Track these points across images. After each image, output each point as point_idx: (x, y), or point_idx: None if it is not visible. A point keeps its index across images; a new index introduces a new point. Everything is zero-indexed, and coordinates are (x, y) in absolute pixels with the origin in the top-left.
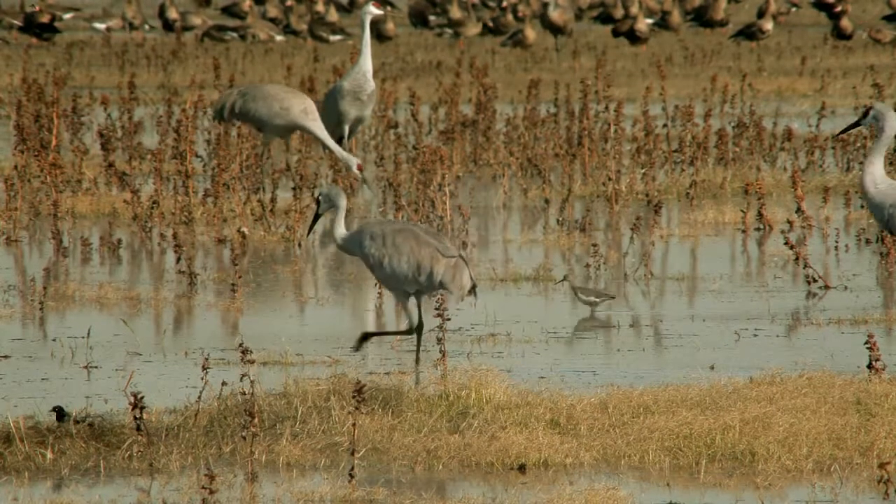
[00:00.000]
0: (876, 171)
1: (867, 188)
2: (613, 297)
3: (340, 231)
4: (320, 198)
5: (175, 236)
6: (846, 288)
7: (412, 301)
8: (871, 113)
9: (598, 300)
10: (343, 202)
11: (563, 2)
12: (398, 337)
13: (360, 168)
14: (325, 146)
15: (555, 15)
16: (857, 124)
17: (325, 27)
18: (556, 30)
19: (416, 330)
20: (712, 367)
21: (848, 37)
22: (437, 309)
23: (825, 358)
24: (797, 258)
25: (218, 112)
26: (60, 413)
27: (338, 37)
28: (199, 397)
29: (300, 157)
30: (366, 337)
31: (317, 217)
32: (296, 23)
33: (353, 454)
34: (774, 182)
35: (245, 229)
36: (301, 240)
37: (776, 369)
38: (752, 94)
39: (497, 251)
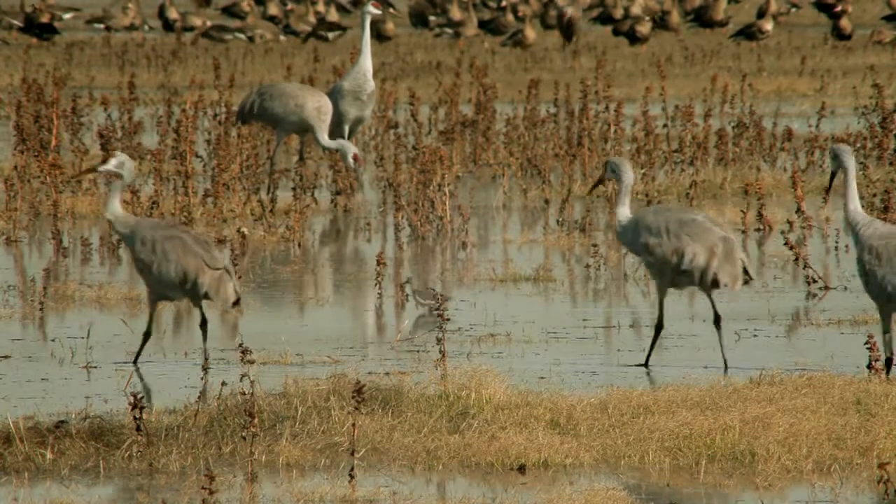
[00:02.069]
0: (620, 214)
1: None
2: (449, 300)
3: (116, 208)
4: (115, 160)
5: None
6: (846, 288)
7: (159, 306)
8: (609, 165)
9: (433, 302)
10: (130, 176)
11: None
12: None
13: (356, 158)
14: (324, 148)
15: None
16: (600, 181)
17: (325, 27)
18: (569, 33)
19: (145, 335)
20: (706, 367)
21: (848, 37)
22: (436, 310)
23: (825, 358)
24: (797, 258)
25: (239, 114)
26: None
27: (335, 32)
28: (199, 397)
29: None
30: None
31: (92, 171)
32: (295, 23)
33: (353, 454)
34: (774, 182)
35: (245, 229)
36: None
37: (776, 369)
38: (752, 94)
39: (497, 251)
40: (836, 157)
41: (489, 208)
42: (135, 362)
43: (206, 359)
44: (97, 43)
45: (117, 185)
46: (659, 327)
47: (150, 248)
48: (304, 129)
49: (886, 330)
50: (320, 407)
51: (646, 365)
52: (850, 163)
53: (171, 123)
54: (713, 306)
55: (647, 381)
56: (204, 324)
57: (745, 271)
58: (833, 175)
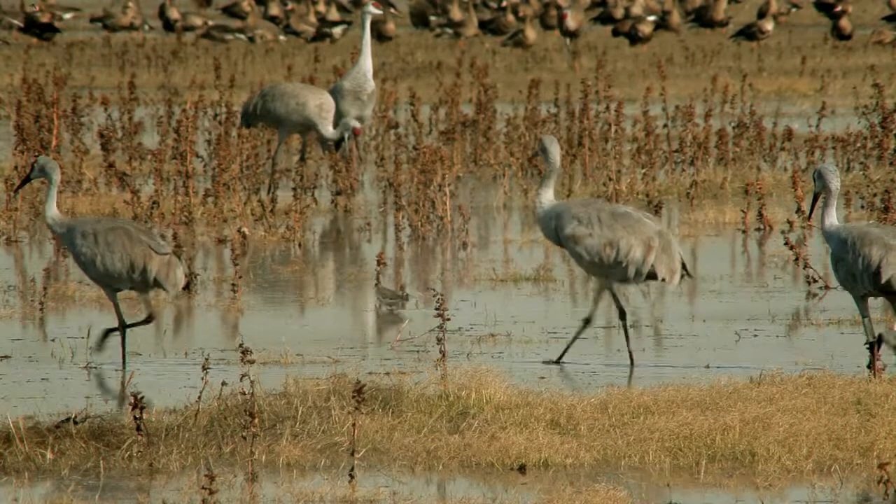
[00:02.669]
0: (543, 196)
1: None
2: (407, 299)
3: (53, 211)
4: (35, 165)
5: (175, 236)
6: None
7: (118, 298)
8: (539, 143)
9: (393, 302)
10: (56, 177)
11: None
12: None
13: (356, 131)
14: (329, 141)
15: (571, 22)
16: (535, 154)
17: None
18: (570, 34)
19: (121, 327)
20: (707, 366)
21: (848, 37)
22: (436, 309)
23: (825, 358)
24: (797, 258)
25: (243, 117)
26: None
27: (341, 27)
28: (199, 397)
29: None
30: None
31: (27, 179)
32: (296, 23)
33: (353, 454)
34: (774, 182)
35: (245, 229)
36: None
37: (776, 369)
38: (752, 94)
39: (497, 251)
40: (820, 178)
41: (490, 208)
42: (123, 360)
43: (122, 355)
44: (97, 43)
45: (50, 188)
46: (622, 315)
47: (93, 241)
48: (308, 128)
49: (864, 315)
50: (320, 407)
51: (630, 359)
52: (835, 185)
53: (172, 123)
54: (617, 302)
55: (647, 381)
56: (149, 319)
57: (684, 266)
58: (816, 196)
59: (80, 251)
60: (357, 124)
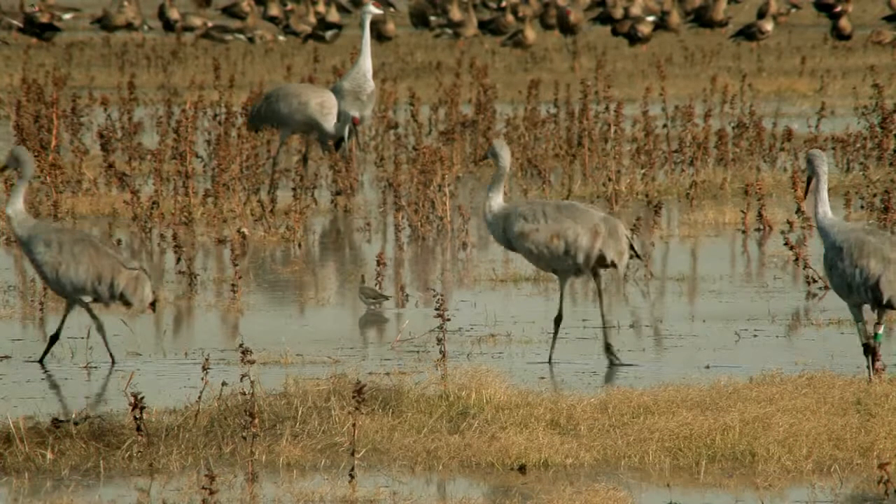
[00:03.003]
0: (493, 200)
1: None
2: (387, 299)
3: (18, 206)
4: (10, 154)
5: (175, 237)
6: None
7: (77, 305)
8: (490, 148)
9: (375, 301)
10: (29, 170)
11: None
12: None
13: (355, 121)
14: (332, 137)
15: (572, 17)
16: (484, 157)
17: (323, 26)
18: (569, 29)
19: (53, 336)
20: (707, 367)
21: (847, 37)
22: (436, 310)
23: (825, 358)
24: (797, 258)
25: (250, 121)
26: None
27: (332, 31)
28: (200, 397)
29: (299, 157)
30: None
31: (2, 169)
32: (296, 23)
33: (353, 454)
34: (774, 182)
35: (245, 229)
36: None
37: (776, 369)
38: (751, 94)
39: (497, 251)
40: (809, 163)
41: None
42: (41, 361)
43: (114, 361)
44: (97, 43)
45: (20, 182)
46: (559, 319)
47: (57, 250)
48: (311, 127)
49: (859, 319)
50: (320, 407)
51: (551, 358)
52: (823, 169)
53: (171, 124)
54: (560, 302)
55: (647, 381)
56: (100, 328)
57: (632, 247)
58: (809, 180)
59: (42, 259)
60: (356, 114)
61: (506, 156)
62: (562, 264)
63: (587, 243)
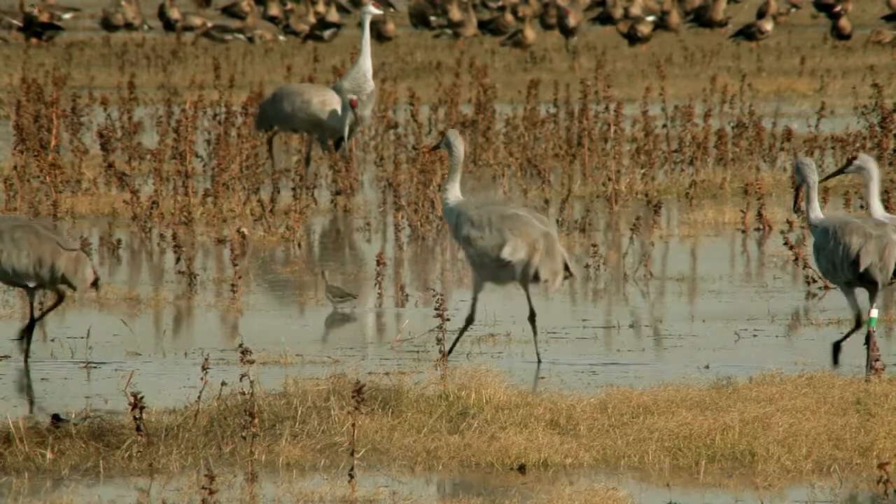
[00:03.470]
0: (449, 192)
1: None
2: (355, 297)
3: None
4: None
5: (175, 236)
6: None
7: (35, 296)
8: (444, 138)
9: (342, 299)
10: None
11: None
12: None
13: (353, 103)
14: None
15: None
16: (437, 147)
17: (321, 26)
18: (568, 30)
19: (27, 329)
20: (707, 367)
21: (847, 37)
22: (436, 309)
23: (825, 358)
24: (797, 258)
25: (257, 123)
26: (57, 419)
27: (330, 30)
28: (199, 397)
29: (299, 157)
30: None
31: None
32: (296, 23)
33: (353, 454)
34: (774, 182)
35: (245, 229)
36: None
37: (776, 369)
38: (751, 94)
39: None
40: (798, 172)
41: None
42: (25, 359)
43: (27, 357)
44: (97, 43)
45: None
46: (470, 320)
47: None
48: (315, 125)
49: (855, 309)
50: (320, 407)
51: (446, 355)
52: (813, 178)
53: (171, 123)
54: (528, 301)
55: (647, 381)
56: (31, 324)
57: (566, 267)
58: (798, 189)
59: None
60: (353, 96)
61: (459, 146)
62: (499, 275)
63: (525, 258)
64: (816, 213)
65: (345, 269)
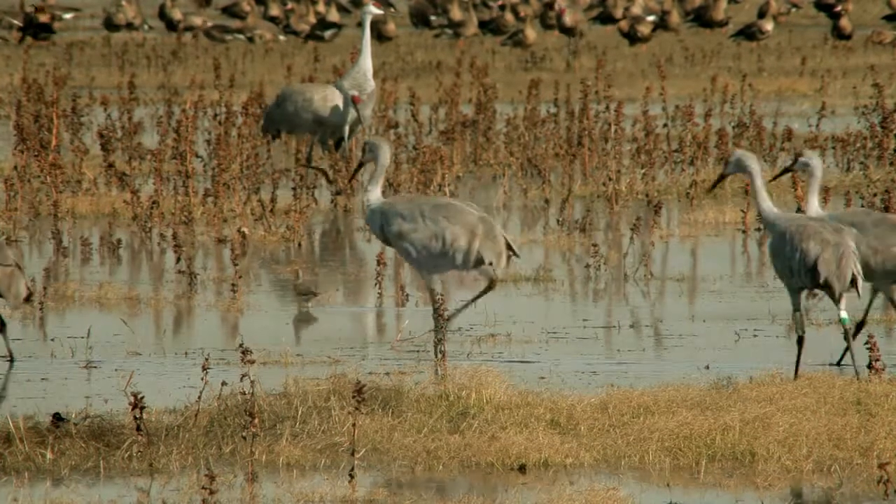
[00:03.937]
0: (371, 195)
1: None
2: (316, 295)
3: None
4: None
5: (175, 236)
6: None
7: None
8: (366, 144)
9: (305, 297)
10: None
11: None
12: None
13: (355, 99)
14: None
15: (567, 18)
16: (363, 156)
17: (321, 26)
18: (566, 30)
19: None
20: (707, 367)
21: (847, 37)
22: (436, 309)
23: (825, 358)
24: None
25: (262, 126)
26: (58, 418)
27: (331, 30)
28: (199, 397)
29: (299, 157)
30: None
31: None
32: (296, 23)
33: (353, 454)
34: (774, 182)
35: (245, 229)
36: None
37: (776, 369)
38: (752, 94)
39: None
40: (737, 163)
41: (489, 208)
42: (10, 360)
43: (12, 359)
44: (97, 43)
45: None
46: (439, 314)
47: None
48: (320, 122)
49: (797, 308)
50: (320, 407)
51: (444, 355)
52: (755, 168)
53: (171, 123)
54: (432, 296)
55: (647, 381)
56: (1, 327)
57: (510, 247)
58: (722, 177)
59: None
60: (356, 92)
61: (384, 153)
62: (441, 265)
63: (465, 244)
64: (767, 204)
65: (345, 268)
